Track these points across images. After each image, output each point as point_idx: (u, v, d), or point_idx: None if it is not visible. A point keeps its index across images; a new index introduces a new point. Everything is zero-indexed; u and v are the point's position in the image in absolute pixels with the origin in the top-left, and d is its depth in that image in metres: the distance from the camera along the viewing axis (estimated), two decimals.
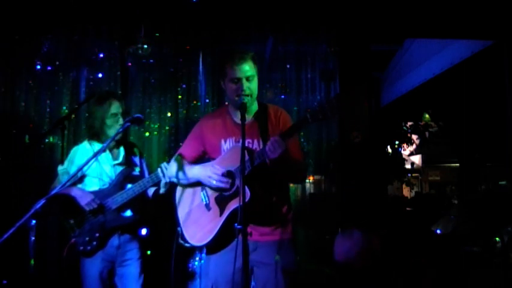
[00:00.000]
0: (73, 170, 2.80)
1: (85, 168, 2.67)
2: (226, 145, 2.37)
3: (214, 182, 2.23)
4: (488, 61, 4.92)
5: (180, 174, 2.41)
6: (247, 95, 2.28)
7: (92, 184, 2.90)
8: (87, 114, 3.88)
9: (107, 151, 2.95)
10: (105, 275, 2.87)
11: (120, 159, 2.99)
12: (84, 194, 2.81)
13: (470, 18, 3.94)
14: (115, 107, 2.90)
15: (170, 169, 2.48)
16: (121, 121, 2.89)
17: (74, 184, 2.87)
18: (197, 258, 3.61)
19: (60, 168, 2.88)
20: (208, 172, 2.26)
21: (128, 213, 2.92)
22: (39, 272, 3.20)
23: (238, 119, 2.23)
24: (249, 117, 2.36)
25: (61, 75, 3.96)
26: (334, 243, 2.96)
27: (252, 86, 2.30)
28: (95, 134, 2.93)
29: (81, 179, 2.91)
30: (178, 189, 2.49)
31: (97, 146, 2.90)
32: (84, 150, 2.94)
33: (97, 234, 2.80)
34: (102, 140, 2.90)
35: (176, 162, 2.45)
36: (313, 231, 4.10)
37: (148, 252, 3.42)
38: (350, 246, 2.85)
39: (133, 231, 2.96)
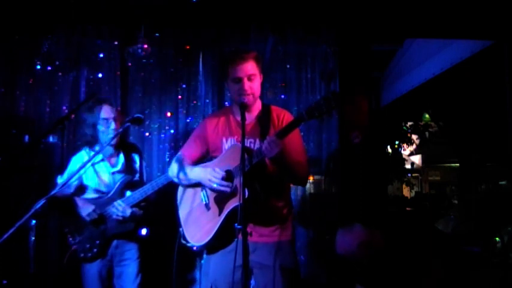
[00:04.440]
0: (73, 179, 2.77)
1: (82, 175, 2.67)
2: (228, 144, 2.37)
3: (214, 186, 2.21)
4: (488, 61, 4.91)
5: (181, 175, 2.40)
6: (249, 95, 2.28)
7: (90, 196, 2.91)
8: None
9: (105, 160, 2.93)
10: (105, 274, 2.87)
11: (119, 166, 2.97)
12: (84, 205, 2.81)
13: (470, 18, 3.94)
14: (105, 112, 2.87)
15: (172, 169, 2.48)
16: (113, 126, 2.86)
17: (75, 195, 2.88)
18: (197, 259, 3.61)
19: (59, 179, 2.86)
20: (208, 175, 2.23)
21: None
22: (39, 272, 3.20)
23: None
24: (251, 117, 2.37)
25: (61, 75, 3.96)
26: (336, 237, 2.95)
27: (253, 85, 2.30)
28: (88, 142, 2.91)
29: (82, 190, 2.90)
30: (180, 189, 2.49)
31: None
32: (81, 158, 2.91)
33: (98, 242, 2.81)
34: (96, 147, 2.88)
35: (177, 163, 2.44)
36: (313, 231, 4.09)
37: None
38: (351, 239, 2.84)
39: (132, 235, 2.96)
